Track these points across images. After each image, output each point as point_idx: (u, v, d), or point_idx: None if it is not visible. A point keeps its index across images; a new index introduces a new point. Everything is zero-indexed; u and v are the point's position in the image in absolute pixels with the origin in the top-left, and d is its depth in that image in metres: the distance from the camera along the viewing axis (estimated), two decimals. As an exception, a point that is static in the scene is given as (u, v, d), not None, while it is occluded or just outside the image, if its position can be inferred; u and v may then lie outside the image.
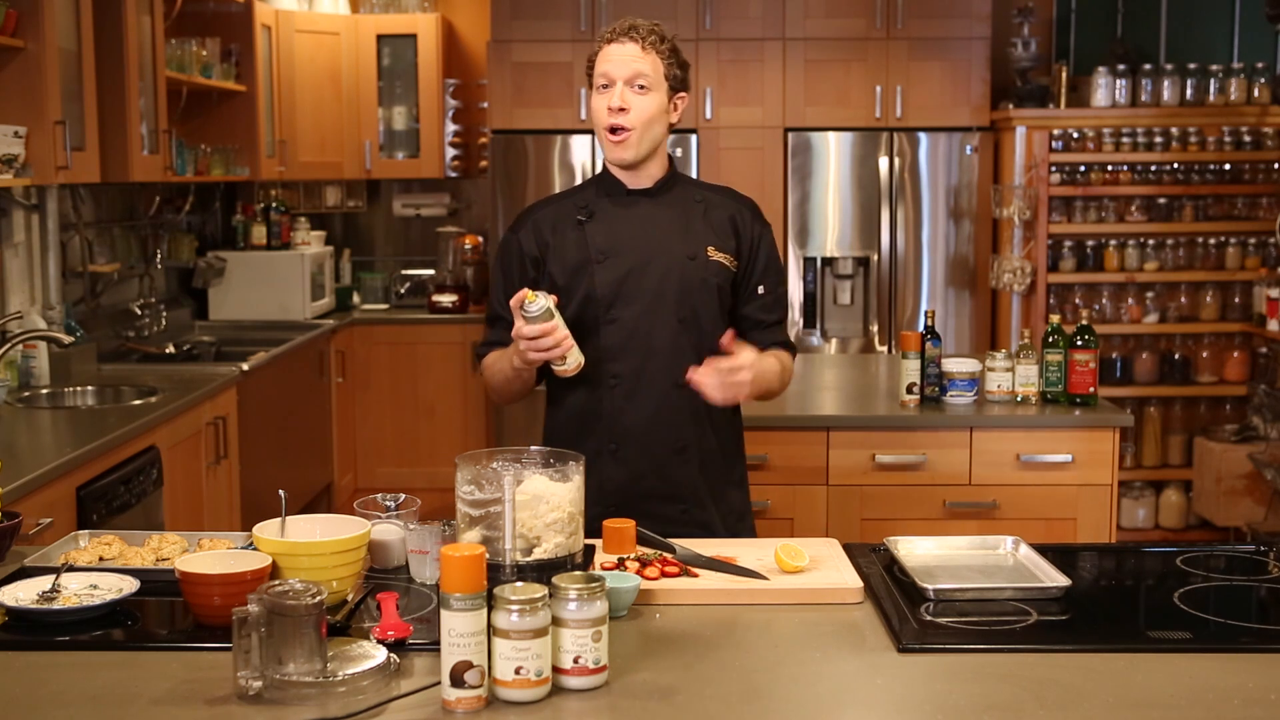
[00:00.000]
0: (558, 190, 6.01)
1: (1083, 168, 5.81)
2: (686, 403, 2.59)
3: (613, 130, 2.57)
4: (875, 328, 6.11)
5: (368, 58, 6.63)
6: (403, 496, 2.27)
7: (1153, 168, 5.83)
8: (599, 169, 2.75)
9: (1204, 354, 5.88)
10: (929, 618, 2.00)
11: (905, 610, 2.02)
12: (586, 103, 2.77)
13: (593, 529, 2.26)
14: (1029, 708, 1.68)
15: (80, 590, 2.03)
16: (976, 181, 6.04)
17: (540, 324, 2.39)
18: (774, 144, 6.03)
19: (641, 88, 2.56)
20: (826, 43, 6.04)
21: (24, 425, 3.80)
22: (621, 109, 2.54)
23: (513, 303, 2.39)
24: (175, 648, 1.88)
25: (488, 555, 1.75)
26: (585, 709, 1.69)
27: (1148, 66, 5.95)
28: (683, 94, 2.66)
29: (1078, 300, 5.87)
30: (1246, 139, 5.81)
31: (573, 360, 2.48)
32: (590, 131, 6.00)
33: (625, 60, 2.56)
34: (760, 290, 2.67)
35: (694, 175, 5.91)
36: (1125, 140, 5.79)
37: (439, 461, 6.24)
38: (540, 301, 2.38)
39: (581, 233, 2.61)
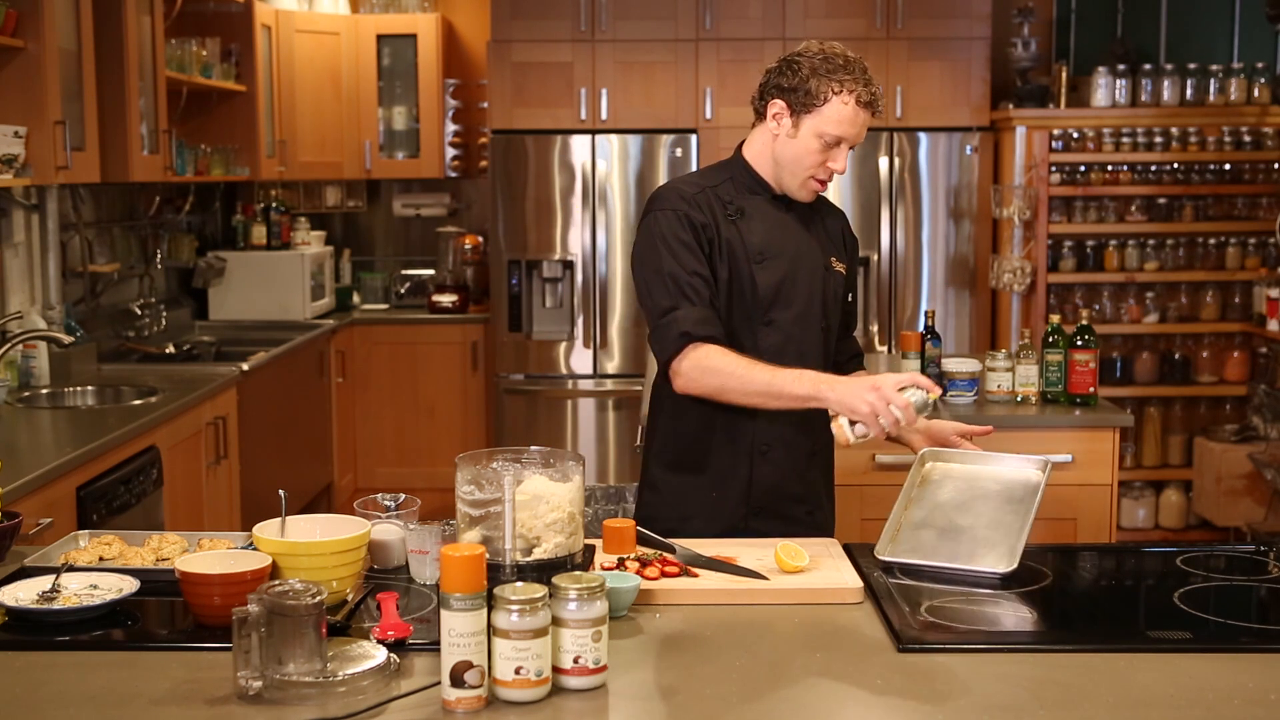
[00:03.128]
0: (557, 188, 6.05)
1: (1083, 168, 5.81)
2: (821, 408, 2.59)
3: (821, 183, 2.54)
4: (875, 328, 6.11)
5: (368, 58, 6.63)
6: (403, 496, 2.27)
7: (1153, 168, 5.83)
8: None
9: (1204, 354, 5.88)
10: (928, 617, 2.00)
11: (905, 610, 2.02)
12: (775, 110, 2.53)
13: (736, 535, 2.29)
14: (1029, 708, 1.68)
15: (80, 590, 2.03)
16: (976, 181, 6.03)
17: (915, 414, 2.29)
18: (774, 144, 6.02)
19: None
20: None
21: (24, 425, 3.80)
22: (841, 172, 2.53)
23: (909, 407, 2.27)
24: (175, 648, 1.88)
25: (488, 555, 1.75)
26: (585, 709, 1.69)
27: (1148, 66, 5.95)
28: None
29: (1078, 300, 5.87)
30: (1246, 139, 5.80)
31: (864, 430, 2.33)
32: (590, 131, 6.00)
33: (862, 132, 2.51)
34: (850, 299, 2.73)
35: (694, 175, 5.91)
36: (1125, 140, 5.79)
37: (439, 461, 6.24)
38: (923, 396, 2.29)
39: (735, 229, 2.54)
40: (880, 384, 2.30)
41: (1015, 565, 2.20)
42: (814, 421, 2.59)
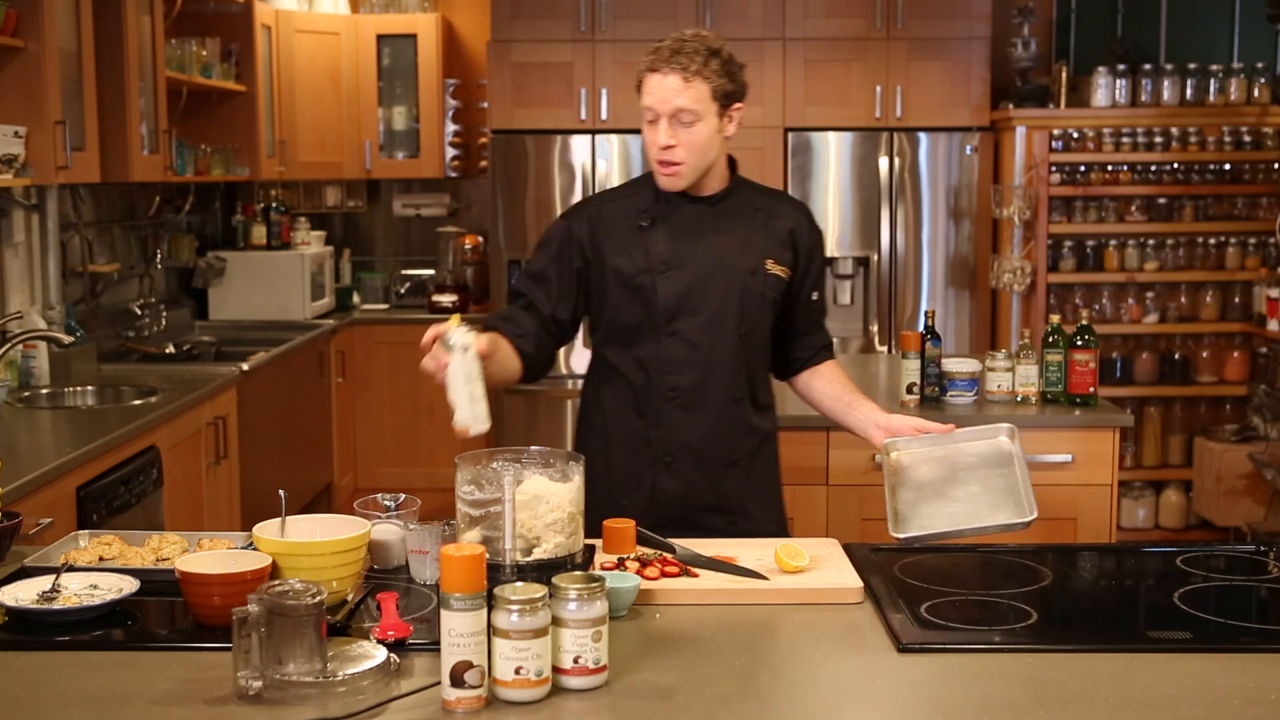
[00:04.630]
0: (558, 188, 6.05)
1: (1083, 168, 5.81)
2: (741, 416, 2.62)
3: (662, 164, 2.52)
4: (875, 328, 6.11)
5: (368, 58, 6.63)
6: (403, 496, 2.27)
7: (1153, 168, 5.83)
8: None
9: (1204, 354, 5.88)
10: (928, 617, 2.00)
11: (905, 610, 2.02)
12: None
13: (596, 529, 2.26)
14: (1029, 708, 1.68)
15: (80, 590, 2.03)
16: (976, 181, 6.03)
17: (443, 354, 2.15)
18: (774, 144, 6.02)
19: (687, 121, 2.48)
20: (826, 43, 6.03)
21: (24, 425, 3.80)
22: (669, 145, 2.49)
23: (437, 328, 2.19)
24: (175, 648, 1.88)
25: (488, 555, 1.75)
26: (585, 709, 1.69)
27: (1148, 66, 5.95)
28: (738, 105, 2.55)
29: (1078, 300, 5.87)
30: (1246, 139, 5.80)
31: (463, 417, 2.12)
32: (590, 131, 6.00)
33: (667, 96, 2.47)
34: (814, 297, 2.71)
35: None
36: (1125, 140, 5.79)
37: (439, 461, 6.24)
38: (458, 337, 2.13)
39: (642, 238, 2.56)
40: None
41: (1036, 513, 2.19)
42: (734, 431, 2.61)
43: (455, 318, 2.14)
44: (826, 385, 2.72)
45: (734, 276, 2.57)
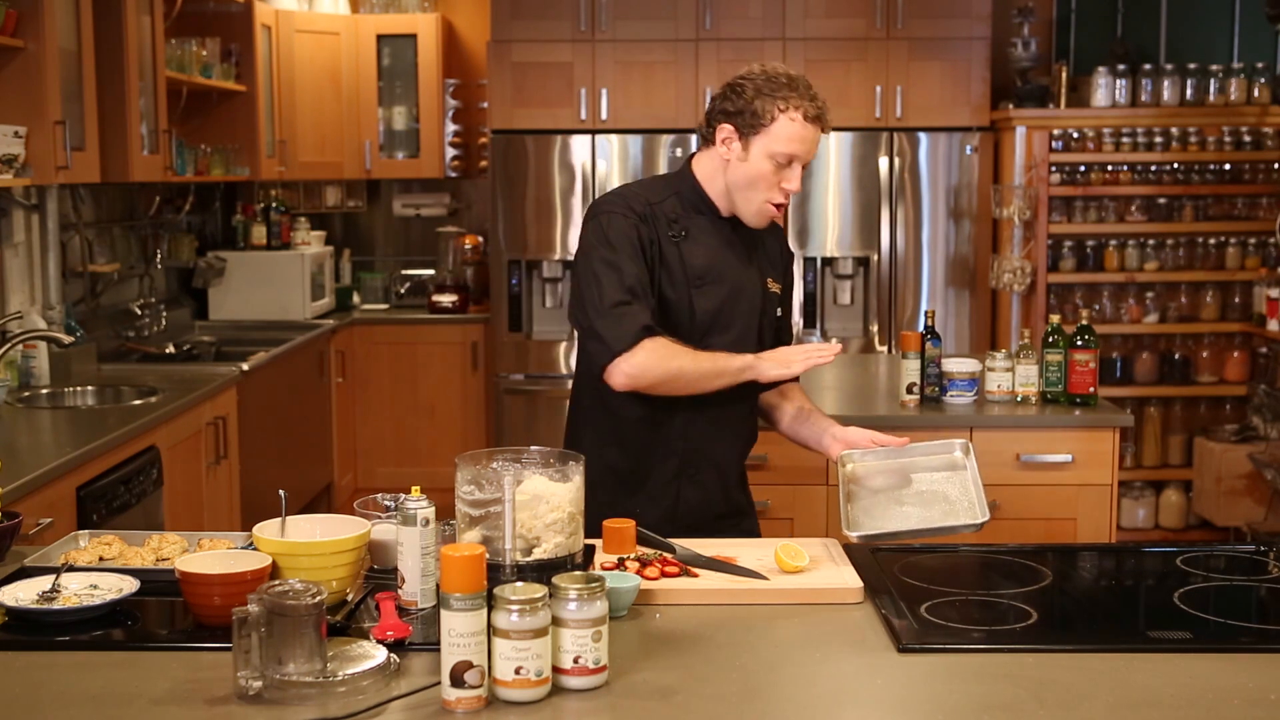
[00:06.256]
0: (558, 188, 6.04)
1: (1083, 168, 5.81)
2: (754, 428, 2.68)
3: (778, 206, 2.51)
4: (875, 328, 6.11)
5: (368, 58, 6.63)
6: (402, 496, 2.26)
7: (1153, 168, 5.83)
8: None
9: (1204, 354, 5.88)
10: (928, 617, 2.01)
11: (905, 610, 2.02)
12: (724, 135, 2.50)
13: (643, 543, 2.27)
14: (1029, 708, 1.68)
15: (80, 590, 2.03)
16: (976, 181, 6.03)
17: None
18: (774, 144, 6.02)
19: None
20: (826, 43, 6.03)
21: (24, 425, 3.80)
22: (795, 192, 2.50)
23: None
24: (175, 648, 1.88)
25: (488, 555, 1.75)
26: (585, 709, 1.69)
27: (1148, 66, 5.95)
28: None
29: (1078, 300, 5.87)
30: (1246, 139, 5.80)
31: (411, 592, 2.01)
32: (590, 131, 6.00)
33: (813, 149, 2.48)
34: (779, 313, 2.72)
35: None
36: (1125, 140, 5.79)
37: (439, 461, 6.23)
38: (417, 509, 1.99)
39: (677, 250, 2.52)
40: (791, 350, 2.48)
41: (988, 516, 2.24)
42: (746, 443, 2.66)
43: (415, 489, 2.02)
44: (782, 400, 2.74)
45: (755, 294, 2.60)
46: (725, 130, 2.49)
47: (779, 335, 2.71)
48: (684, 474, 2.58)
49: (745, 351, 2.51)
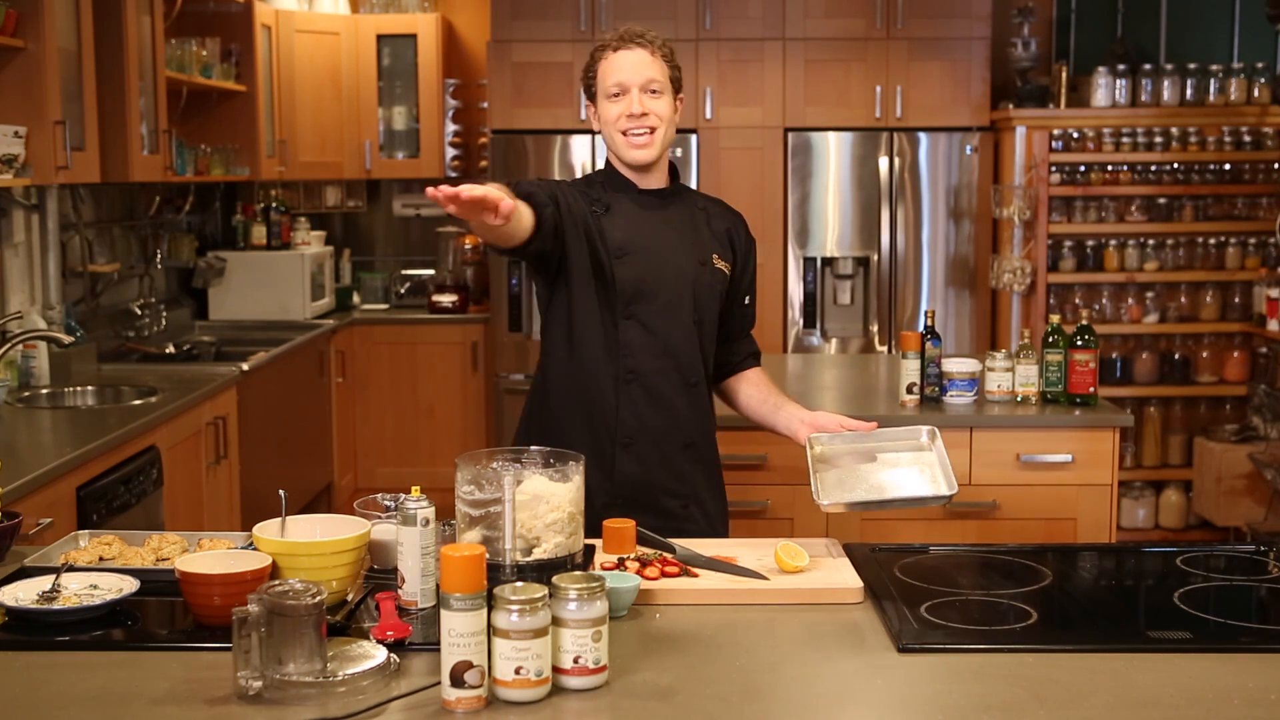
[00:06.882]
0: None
1: (1083, 168, 5.81)
2: (697, 401, 2.68)
3: (636, 133, 2.60)
4: (875, 328, 6.11)
5: (368, 58, 6.63)
6: (402, 496, 2.26)
7: (1153, 168, 5.83)
8: (600, 166, 2.78)
9: (1204, 354, 5.88)
10: (928, 617, 2.01)
11: (905, 610, 2.02)
12: (588, 111, 2.72)
13: (597, 524, 2.27)
14: (1029, 708, 1.68)
15: (80, 590, 2.03)
16: (976, 181, 6.03)
17: None
18: (774, 144, 6.02)
19: (654, 92, 2.61)
20: (826, 43, 6.03)
21: (24, 425, 3.80)
22: (643, 114, 2.59)
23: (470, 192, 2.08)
24: (175, 648, 1.88)
25: (488, 555, 1.75)
26: (585, 709, 1.69)
27: (1148, 66, 5.95)
28: (681, 96, 2.72)
29: (1078, 300, 5.87)
30: (1246, 139, 5.80)
31: (411, 592, 2.00)
32: (590, 132, 6.00)
33: (638, 68, 2.59)
34: (746, 301, 2.80)
35: (694, 176, 5.92)
36: (1125, 140, 5.79)
37: (439, 461, 6.24)
38: (417, 509, 1.99)
39: (597, 223, 2.62)
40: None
41: (956, 489, 2.28)
42: (690, 415, 2.67)
43: (415, 489, 2.03)
44: (753, 389, 2.80)
45: (686, 266, 2.65)
46: (589, 107, 2.69)
47: (743, 321, 2.81)
48: (618, 444, 2.61)
49: (677, 319, 2.61)
